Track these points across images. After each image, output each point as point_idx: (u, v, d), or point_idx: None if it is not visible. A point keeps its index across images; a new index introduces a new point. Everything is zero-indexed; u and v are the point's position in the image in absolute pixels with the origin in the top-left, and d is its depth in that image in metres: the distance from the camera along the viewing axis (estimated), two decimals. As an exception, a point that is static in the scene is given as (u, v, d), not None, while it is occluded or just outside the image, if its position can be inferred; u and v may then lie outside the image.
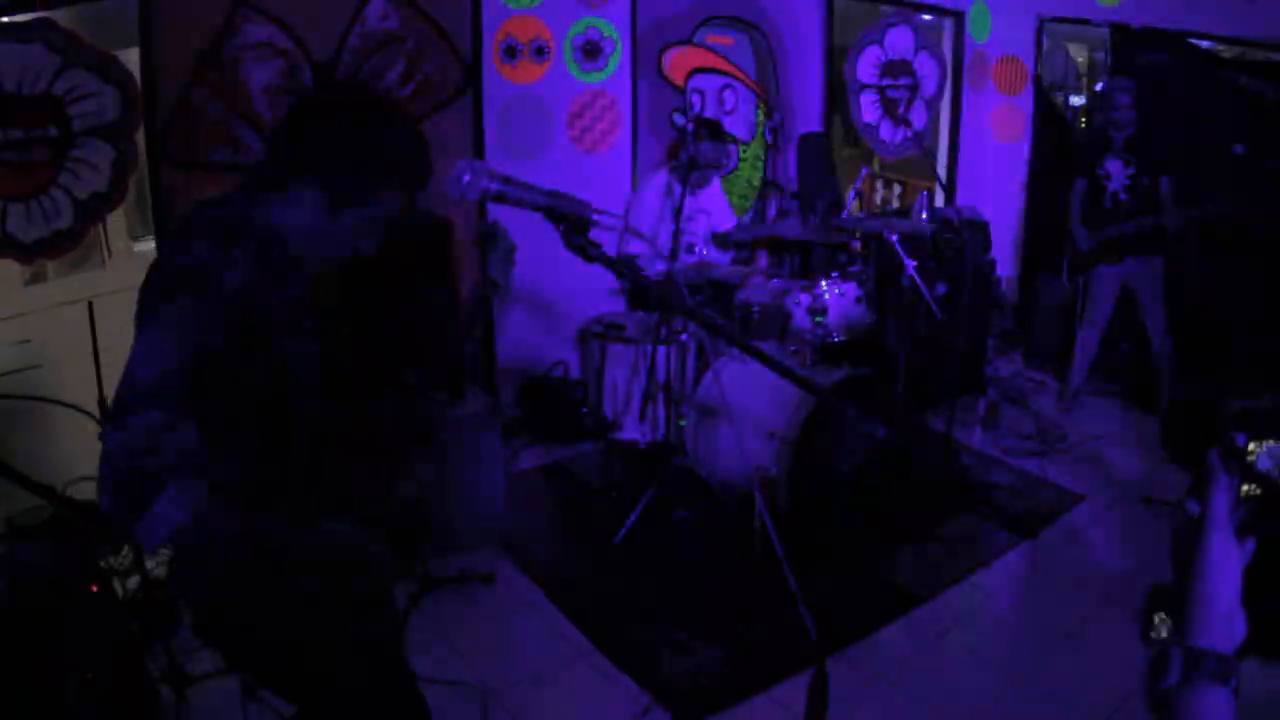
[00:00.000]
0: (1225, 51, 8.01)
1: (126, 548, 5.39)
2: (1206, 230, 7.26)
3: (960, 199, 9.83)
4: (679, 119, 8.04)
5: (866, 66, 9.26)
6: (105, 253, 6.45)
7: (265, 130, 6.04)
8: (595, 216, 2.24)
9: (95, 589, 4.00)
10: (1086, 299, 7.81)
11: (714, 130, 6.49)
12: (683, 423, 5.89)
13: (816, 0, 8.76)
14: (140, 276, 2.49)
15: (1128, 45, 8.59)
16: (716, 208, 7.11)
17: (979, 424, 7.76)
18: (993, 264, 8.61)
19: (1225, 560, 1.44)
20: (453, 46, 6.82)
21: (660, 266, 6.24)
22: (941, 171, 9.93)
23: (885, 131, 9.51)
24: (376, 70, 6.50)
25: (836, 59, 9.04)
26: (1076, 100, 10.23)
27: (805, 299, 6.24)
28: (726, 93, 8.37)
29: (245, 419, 2.48)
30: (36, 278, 5.95)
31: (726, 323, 6.50)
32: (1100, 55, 9.40)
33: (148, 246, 6.67)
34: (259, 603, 2.53)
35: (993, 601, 5.46)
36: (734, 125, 8.44)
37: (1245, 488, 1.44)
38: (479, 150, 7.03)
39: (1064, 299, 8.55)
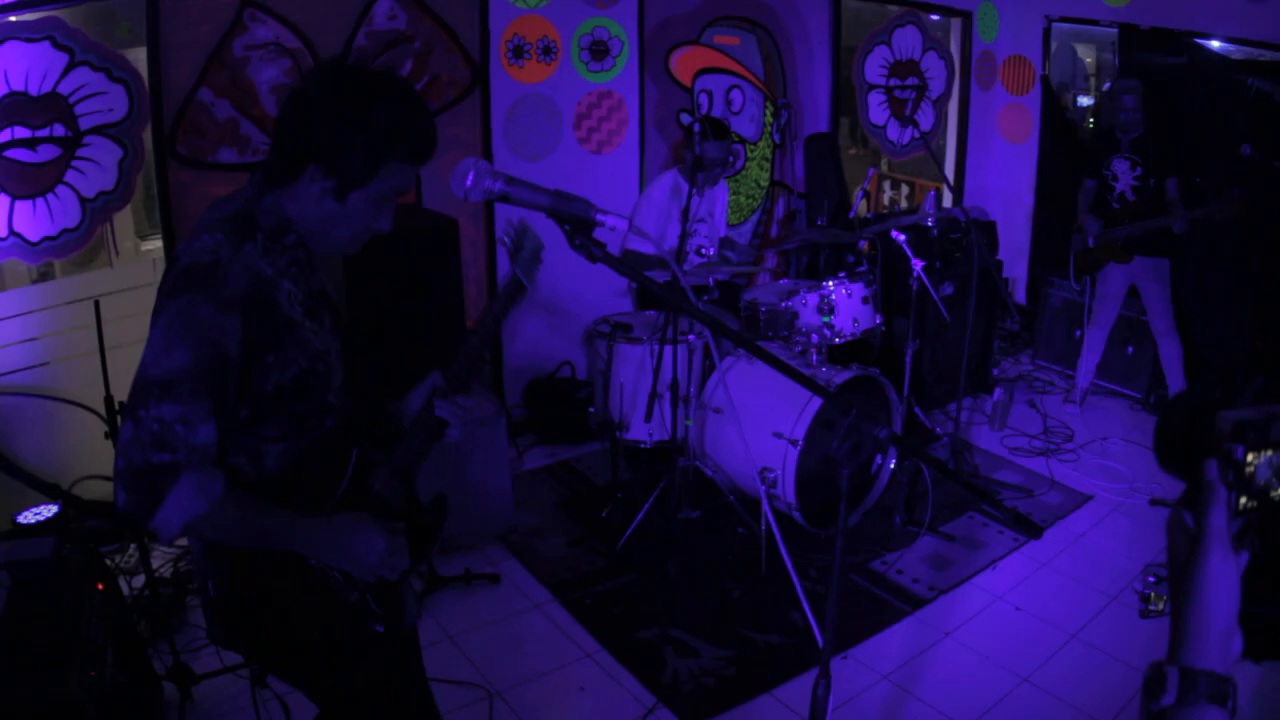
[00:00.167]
0: (1233, 52, 7.99)
1: (133, 546, 5.40)
2: (1214, 231, 7.24)
3: (968, 199, 9.82)
4: (686, 119, 8.04)
5: (874, 67, 9.26)
6: (113, 251, 6.46)
7: (272, 129, 6.05)
8: (599, 217, 2.23)
9: (101, 587, 4.01)
10: (1093, 299, 7.80)
11: (718, 129, 6.48)
12: (689, 423, 5.88)
13: (824, 0, 8.74)
14: (147, 275, 2.51)
15: (1135, 45, 8.58)
16: (719, 212, 7.10)
17: (986, 423, 7.75)
18: (1000, 264, 8.60)
19: (1224, 578, 1.41)
20: (460, 46, 6.83)
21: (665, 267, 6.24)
22: (949, 172, 9.92)
23: (893, 132, 9.51)
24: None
25: (844, 59, 9.03)
26: (1084, 100, 10.21)
27: (813, 299, 6.23)
28: (734, 93, 8.36)
29: (268, 413, 2.48)
30: (44, 276, 5.96)
31: (732, 323, 6.49)
32: (1108, 55, 9.37)
33: (155, 245, 6.69)
34: (275, 598, 2.57)
35: (998, 602, 5.45)
36: (741, 125, 8.44)
37: (1242, 500, 1.42)
38: (486, 150, 7.04)
39: (1071, 299, 8.54)
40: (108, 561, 4.60)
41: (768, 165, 8.80)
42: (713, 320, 2.50)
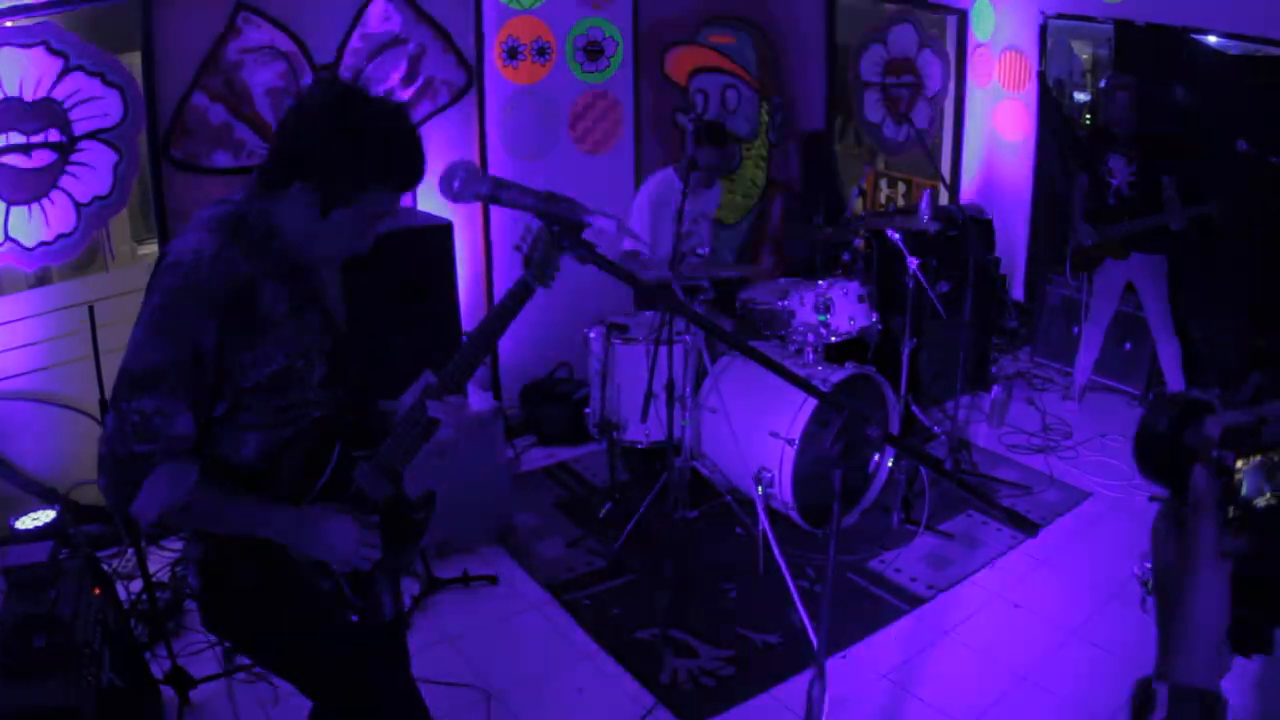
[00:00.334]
0: (1230, 47, 7.98)
1: (130, 550, 5.40)
2: (1211, 228, 7.23)
3: (964, 197, 9.82)
4: (682, 119, 8.04)
5: (870, 65, 9.26)
6: (108, 256, 6.46)
7: (267, 133, 6.05)
8: (587, 218, 2.25)
9: (98, 591, 4.01)
10: (1091, 296, 7.80)
11: (715, 135, 6.47)
12: (686, 423, 5.88)
13: (819, -2, 8.76)
14: (143, 279, 2.56)
15: (1131, 41, 8.57)
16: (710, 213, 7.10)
17: (984, 421, 7.74)
18: (997, 261, 8.59)
19: (1215, 591, 1.38)
20: (455, 48, 6.82)
21: (660, 267, 6.24)
22: (945, 169, 9.92)
23: (889, 129, 9.51)
24: (378, 72, 6.50)
25: (839, 57, 9.03)
26: (1081, 97, 10.20)
27: (808, 298, 6.23)
28: (729, 92, 8.36)
29: (247, 406, 2.57)
30: (42, 280, 5.96)
31: (724, 324, 6.49)
32: (1104, 52, 9.35)
33: (151, 249, 6.69)
34: (248, 584, 2.67)
35: (997, 600, 5.45)
36: (737, 124, 8.43)
37: (1231, 510, 1.39)
38: (482, 151, 7.04)
39: (1069, 296, 8.53)
40: (105, 566, 4.60)
41: (763, 164, 8.79)
42: (705, 321, 2.51)
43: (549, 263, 2.70)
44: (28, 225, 5.48)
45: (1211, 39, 8.03)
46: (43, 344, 5.72)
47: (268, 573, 2.64)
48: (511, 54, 7.08)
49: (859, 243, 6.97)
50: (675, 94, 8.07)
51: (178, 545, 5.49)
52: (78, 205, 5.61)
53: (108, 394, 4.47)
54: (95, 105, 5.59)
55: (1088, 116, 9.80)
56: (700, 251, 6.48)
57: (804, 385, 2.42)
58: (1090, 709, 4.50)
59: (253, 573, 2.64)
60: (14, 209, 5.42)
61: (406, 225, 5.82)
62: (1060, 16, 9.30)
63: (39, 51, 5.36)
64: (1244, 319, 7.71)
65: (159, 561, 5.47)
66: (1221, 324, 7.79)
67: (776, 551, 4.98)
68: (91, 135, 5.61)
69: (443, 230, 5.77)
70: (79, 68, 5.50)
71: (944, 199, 9.16)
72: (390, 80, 6.56)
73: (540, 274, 2.69)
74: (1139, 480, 6.03)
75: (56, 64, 5.42)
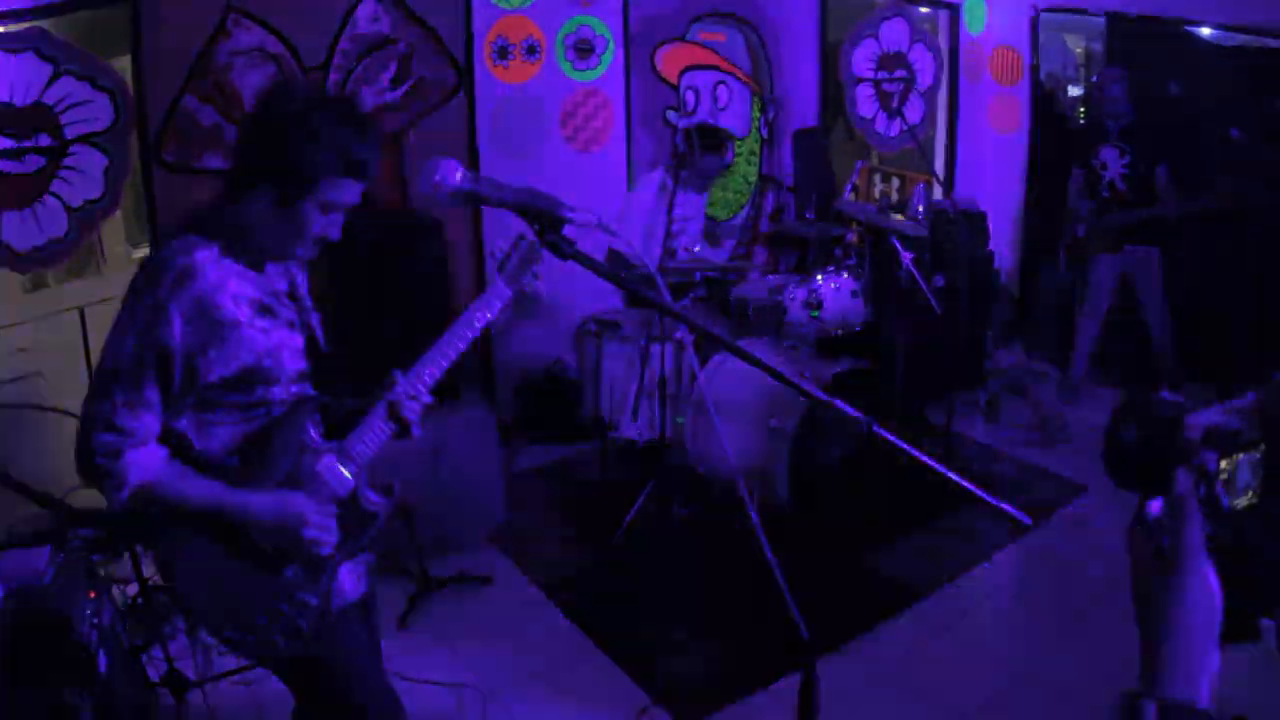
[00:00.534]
0: (1222, 39, 7.98)
1: (126, 554, 5.40)
2: (1206, 219, 7.23)
3: (958, 191, 9.82)
4: (674, 116, 8.03)
5: (862, 60, 9.25)
6: (101, 259, 6.46)
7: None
8: (568, 214, 2.27)
9: (93, 595, 4.02)
10: (1085, 289, 7.79)
11: (713, 144, 6.46)
12: (680, 420, 5.88)
13: (810, -6, 8.76)
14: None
15: (1123, 34, 8.57)
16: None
17: (979, 415, 7.74)
18: (991, 255, 8.59)
19: (1204, 598, 1.35)
20: (444, 48, 6.82)
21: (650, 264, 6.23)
22: (940, 163, 9.91)
23: (881, 125, 9.50)
24: (368, 73, 6.50)
25: (831, 53, 9.03)
26: (1074, 91, 10.20)
27: (801, 294, 6.24)
28: (720, 89, 8.36)
29: (213, 400, 2.73)
30: (37, 285, 5.97)
31: (720, 320, 6.49)
32: (1097, 45, 9.36)
33: (145, 253, 6.68)
34: (209, 567, 2.80)
35: (994, 594, 5.45)
36: (729, 121, 8.42)
37: (1212, 512, 1.38)
38: (472, 150, 7.04)
39: (1064, 289, 8.53)
40: (100, 570, 4.60)
41: (756, 160, 8.80)
42: (687, 319, 2.52)
43: (524, 269, 2.77)
44: (20, 230, 5.48)
45: (1204, 30, 8.04)
46: (37, 348, 5.72)
47: (225, 553, 2.77)
48: (501, 53, 7.08)
49: (851, 238, 6.97)
50: (666, 91, 8.07)
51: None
52: (69, 209, 5.62)
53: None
54: (86, 109, 5.59)
55: (1081, 110, 9.80)
56: (692, 249, 6.48)
57: (792, 385, 2.42)
58: (1088, 704, 4.50)
59: (212, 555, 2.77)
60: (6, 214, 5.42)
61: (399, 225, 5.85)
62: (1052, 10, 9.31)
63: (29, 57, 5.36)
64: (1241, 310, 7.70)
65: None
66: (1217, 315, 7.78)
67: (768, 551, 4.97)
68: (82, 139, 5.62)
69: (435, 229, 5.78)
70: (69, 72, 5.50)
71: (938, 194, 9.15)
72: (380, 81, 6.57)
73: (514, 280, 2.76)
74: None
75: (46, 69, 5.42)
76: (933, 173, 8.22)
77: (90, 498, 4.89)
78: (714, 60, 8.29)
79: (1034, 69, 9.56)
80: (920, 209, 6.79)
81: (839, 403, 2.31)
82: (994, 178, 9.98)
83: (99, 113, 5.65)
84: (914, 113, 9.59)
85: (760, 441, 5.62)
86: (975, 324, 8.06)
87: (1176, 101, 8.03)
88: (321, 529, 2.79)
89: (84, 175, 5.66)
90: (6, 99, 5.32)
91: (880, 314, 6.83)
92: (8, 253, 5.45)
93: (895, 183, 9.80)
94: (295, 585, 2.84)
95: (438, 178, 2.32)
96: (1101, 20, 8.79)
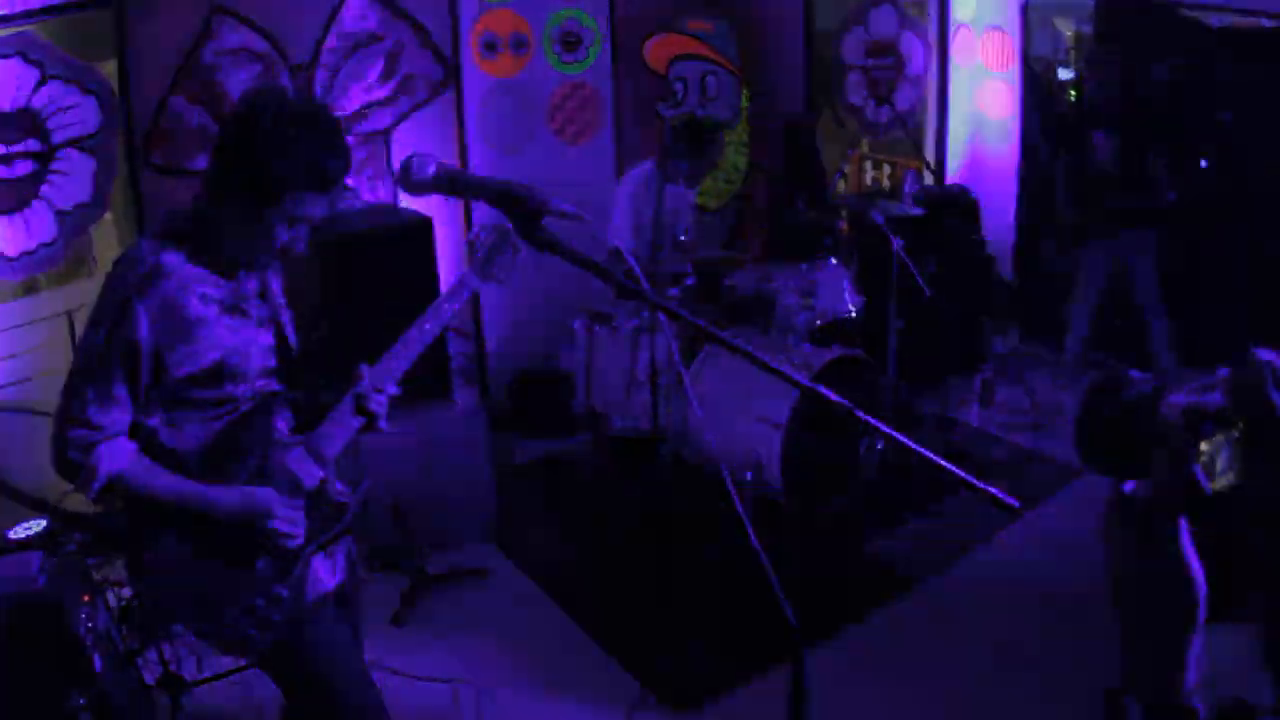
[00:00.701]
0: (1213, 19, 7.96)
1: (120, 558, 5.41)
2: (1200, 202, 7.22)
3: (950, 178, 9.80)
4: (662, 108, 8.02)
5: (851, 48, 9.24)
6: (91, 263, 6.45)
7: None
8: (546, 204, 2.27)
9: (88, 599, 4.03)
10: (1079, 273, 7.77)
11: (695, 146, 6.44)
12: (671, 410, 5.87)
13: (797, -18, 8.75)
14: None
15: (1114, 17, 8.55)
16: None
17: (975, 401, 7.74)
18: (984, 241, 8.58)
19: (1185, 588, 1.31)
20: (432, 43, 6.83)
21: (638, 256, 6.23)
22: (930, 149, 9.90)
23: (872, 112, 9.49)
24: (356, 70, 6.50)
25: (819, 41, 9.01)
26: (1065, 74, 10.17)
27: (793, 282, 6.23)
28: (709, 79, 8.35)
29: (182, 395, 2.80)
30: (29, 290, 5.96)
31: (707, 311, 6.48)
32: (1088, 29, 9.33)
33: (135, 255, 6.67)
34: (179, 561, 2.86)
35: (989, 580, 5.45)
36: (718, 111, 8.41)
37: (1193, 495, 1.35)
38: (461, 145, 7.05)
39: (1057, 274, 8.50)
40: (95, 574, 4.61)
41: (745, 150, 8.80)
42: (673, 311, 2.52)
43: (492, 260, 2.79)
44: (9, 235, 5.49)
45: (1194, 12, 8.02)
46: (28, 353, 5.72)
47: (197, 550, 2.83)
48: (489, 47, 7.08)
49: (842, 225, 6.96)
50: (655, 82, 8.07)
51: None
52: (58, 213, 5.63)
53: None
54: (73, 114, 5.61)
55: (1072, 94, 9.78)
56: (682, 238, 6.47)
57: (780, 375, 2.42)
58: (1084, 689, 4.50)
59: (181, 551, 2.83)
60: (-3, 219, 5.44)
61: (387, 222, 5.86)
62: (1042, -7, 9.29)
63: (15, 62, 5.37)
64: (1236, 294, 7.69)
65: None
66: (1212, 299, 7.77)
67: (753, 540, 4.97)
68: (70, 144, 5.63)
69: (423, 226, 5.79)
70: (56, 77, 5.50)
71: (929, 180, 9.14)
72: (368, 78, 6.57)
73: (484, 271, 2.80)
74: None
75: (33, 74, 5.43)
76: (923, 159, 8.20)
77: (85, 501, 4.91)
78: (702, 50, 8.28)
79: (1025, 53, 9.54)
80: (911, 195, 6.78)
81: (821, 388, 2.30)
82: (986, 163, 9.96)
83: (86, 116, 5.66)
84: (904, 100, 9.58)
85: (752, 431, 5.62)
86: (970, 309, 8.06)
87: (1167, 84, 8.01)
88: (288, 521, 2.85)
89: (72, 179, 5.67)
90: (-7, 104, 5.34)
91: (872, 300, 6.82)
92: (-1, 258, 5.46)
93: (886, 170, 9.79)
94: (266, 578, 2.88)
95: (412, 173, 2.32)
96: (1091, 3, 8.77)
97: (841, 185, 8.56)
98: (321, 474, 2.96)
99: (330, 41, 6.38)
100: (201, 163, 6.01)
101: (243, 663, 4.37)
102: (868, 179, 9.76)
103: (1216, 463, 1.33)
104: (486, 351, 7.46)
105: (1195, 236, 7.65)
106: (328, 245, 5.59)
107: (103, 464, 2.67)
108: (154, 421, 2.81)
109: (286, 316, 3.09)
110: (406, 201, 6.41)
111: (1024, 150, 9.67)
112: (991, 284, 7.62)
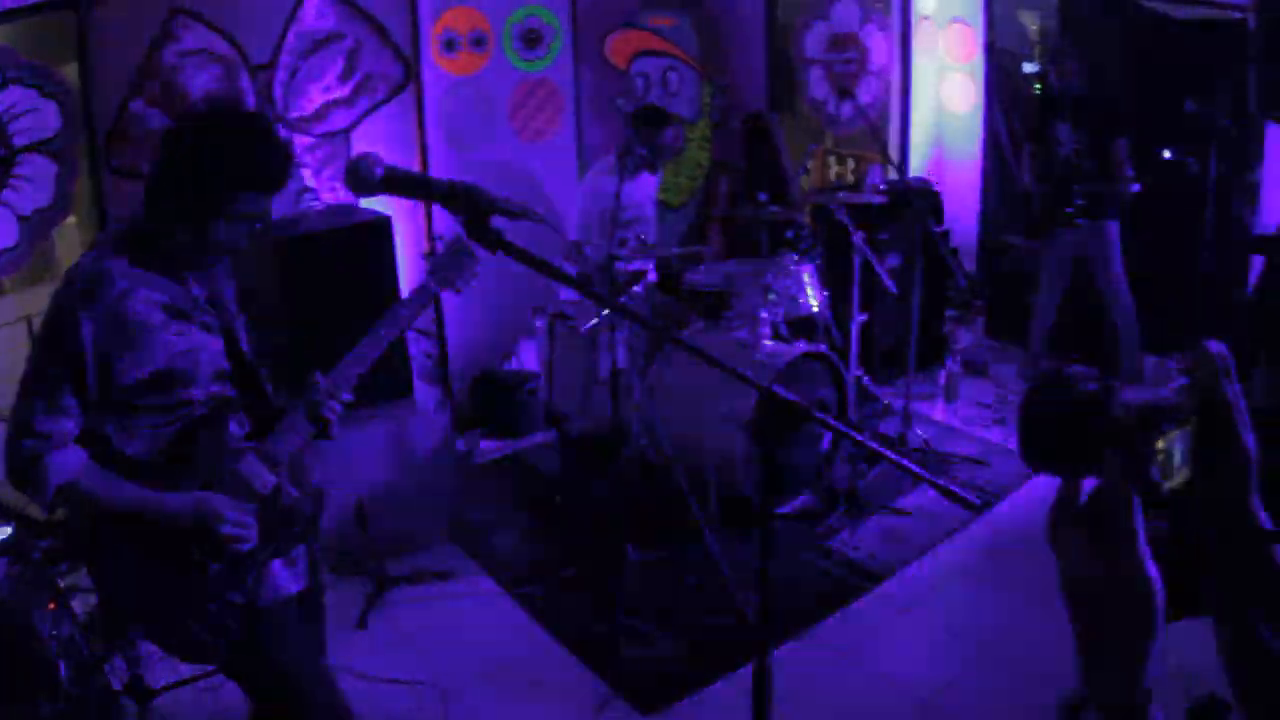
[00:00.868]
0: (1174, 10, 7.98)
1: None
2: (1162, 192, 7.25)
3: (914, 171, 9.82)
4: (622, 103, 8.01)
5: (813, 42, 9.25)
6: (55, 267, 6.43)
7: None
8: (495, 203, 2.28)
9: (53, 606, 4.02)
10: (1043, 266, 7.79)
11: (652, 119, 6.47)
12: (636, 409, 5.88)
13: (758, -24, 8.75)
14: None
15: (1077, 8, 8.57)
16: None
17: (939, 395, 7.76)
18: (947, 234, 8.59)
19: (1142, 593, 1.28)
20: (391, 42, 6.81)
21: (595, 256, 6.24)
22: (894, 142, 9.91)
23: (835, 107, 9.50)
24: (315, 70, 6.48)
25: (780, 35, 9.02)
26: (1029, 67, 10.20)
27: (756, 278, 6.24)
28: (670, 74, 8.35)
29: (131, 402, 2.85)
30: (-2, 294, 5.95)
31: (670, 307, 6.49)
32: (1052, 21, 9.35)
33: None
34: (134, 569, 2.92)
35: (955, 574, 5.49)
36: (680, 107, 8.41)
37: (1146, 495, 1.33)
38: (422, 144, 7.04)
39: (1021, 267, 8.53)
40: (61, 581, 4.59)
41: (708, 145, 8.81)
42: (629, 312, 2.53)
43: (452, 266, 2.81)
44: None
45: (1156, 2, 8.04)
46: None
47: (150, 558, 2.88)
48: (449, 45, 7.07)
49: (804, 220, 6.97)
50: (617, 79, 8.07)
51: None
52: (20, 218, 5.60)
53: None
54: (33, 118, 5.58)
55: (1037, 86, 9.82)
56: (642, 238, 6.46)
57: (739, 376, 2.43)
58: (1052, 680, 4.51)
59: (137, 558, 2.88)
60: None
61: (346, 222, 5.85)
62: (1006, -16, 9.31)
63: (-27, 67, 5.34)
64: (1196, 284, 7.74)
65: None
66: (1172, 289, 7.80)
67: (709, 536, 4.99)
68: (31, 148, 5.60)
69: (382, 226, 5.79)
70: (16, 81, 5.47)
71: (893, 174, 9.16)
72: (327, 77, 6.55)
73: (442, 277, 2.83)
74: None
75: (-8, 78, 5.41)
76: (885, 154, 8.22)
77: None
78: (664, 46, 8.28)
79: (989, 45, 9.56)
80: (874, 190, 6.80)
81: (778, 389, 2.30)
82: (950, 157, 9.99)
83: (47, 120, 5.64)
84: (867, 93, 9.60)
85: (716, 429, 5.64)
86: (933, 303, 8.08)
87: (1131, 75, 8.04)
88: (238, 526, 2.86)
89: (34, 184, 5.64)
90: (-48, 110, 5.31)
91: (835, 295, 6.84)
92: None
93: (850, 165, 9.81)
94: (221, 584, 2.91)
95: (360, 173, 2.33)
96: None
97: (805, 181, 8.57)
98: (274, 479, 2.99)
99: (290, 41, 6.36)
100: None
101: (210, 668, 4.37)
102: (831, 174, 9.78)
103: (1173, 460, 1.30)
104: (448, 351, 7.44)
105: (1158, 227, 7.69)
106: (287, 245, 5.60)
107: (52, 474, 2.71)
108: (107, 429, 2.87)
109: (240, 323, 3.13)
110: (366, 201, 6.40)
111: (988, 143, 9.71)
112: (955, 277, 7.62)
